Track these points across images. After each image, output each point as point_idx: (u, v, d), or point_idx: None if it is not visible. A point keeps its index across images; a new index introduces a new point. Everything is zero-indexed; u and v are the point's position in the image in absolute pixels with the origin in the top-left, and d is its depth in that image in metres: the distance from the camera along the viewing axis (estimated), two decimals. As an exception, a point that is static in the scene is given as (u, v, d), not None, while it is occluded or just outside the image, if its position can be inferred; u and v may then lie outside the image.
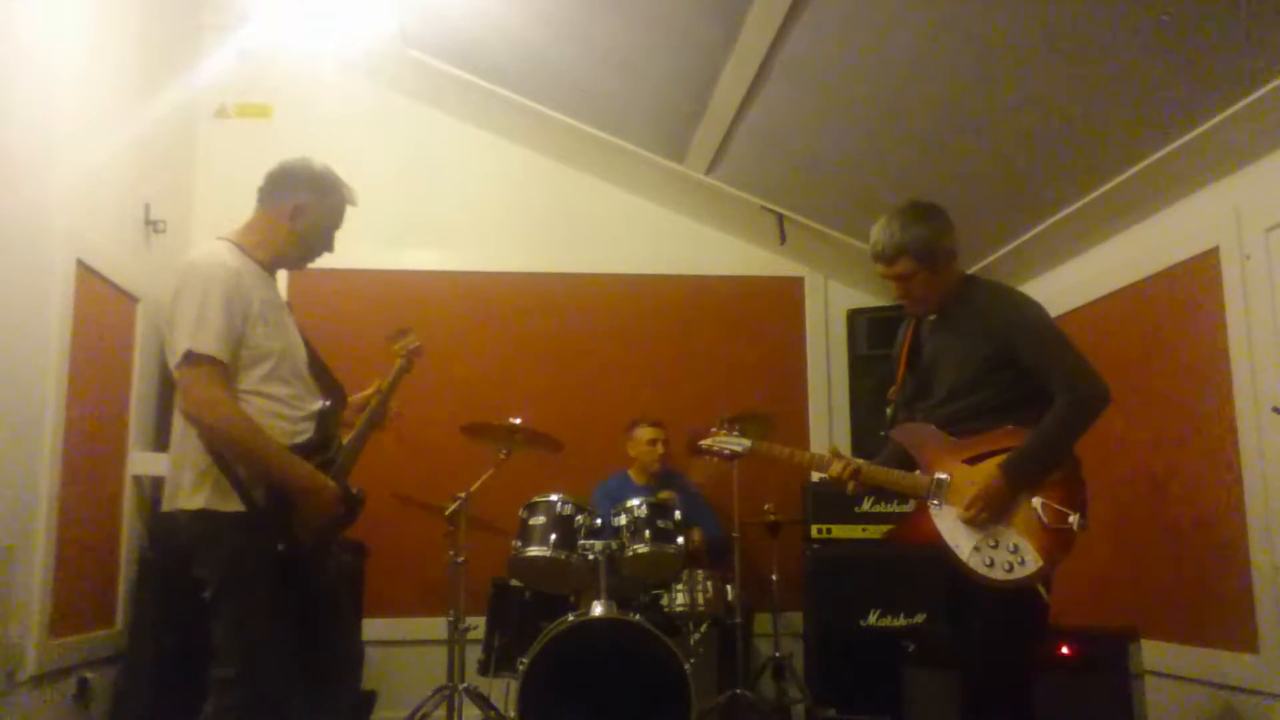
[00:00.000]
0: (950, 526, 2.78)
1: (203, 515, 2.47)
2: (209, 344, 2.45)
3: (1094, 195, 3.92)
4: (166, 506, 2.57)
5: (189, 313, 2.47)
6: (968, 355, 2.83)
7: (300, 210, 2.70)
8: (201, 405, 2.45)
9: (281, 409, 2.57)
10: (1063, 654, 3.31)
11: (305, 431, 2.61)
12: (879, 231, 2.88)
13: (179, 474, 2.52)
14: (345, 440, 2.80)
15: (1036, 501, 2.70)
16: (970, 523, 2.74)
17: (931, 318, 2.97)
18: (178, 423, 2.56)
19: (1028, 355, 2.77)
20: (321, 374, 2.76)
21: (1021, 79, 3.55)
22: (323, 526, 2.60)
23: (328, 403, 2.70)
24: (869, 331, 5.18)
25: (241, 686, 2.44)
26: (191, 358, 2.44)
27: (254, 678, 2.45)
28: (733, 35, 3.82)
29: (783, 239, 5.23)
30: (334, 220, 2.79)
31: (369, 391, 2.95)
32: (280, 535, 2.49)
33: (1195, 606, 3.58)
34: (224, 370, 2.48)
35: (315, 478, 2.55)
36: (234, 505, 2.47)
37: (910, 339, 3.02)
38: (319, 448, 2.62)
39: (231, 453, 2.47)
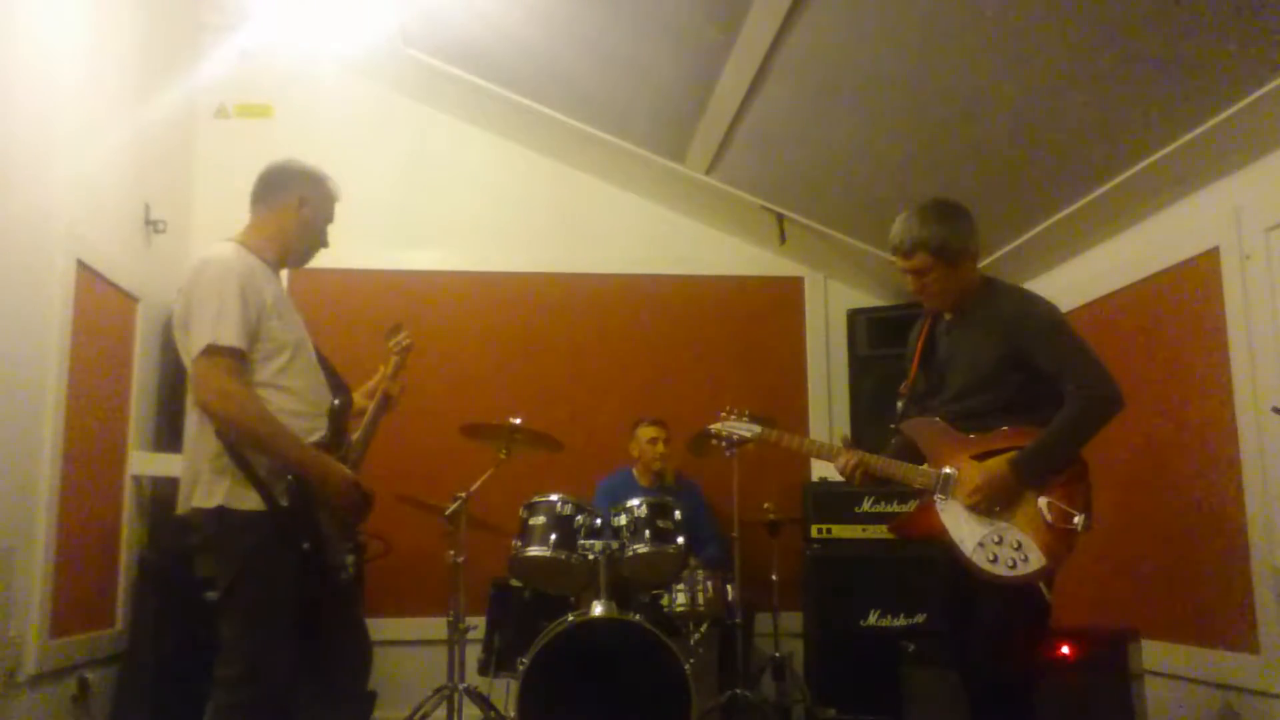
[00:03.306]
0: (955, 521, 2.79)
1: (220, 513, 2.47)
2: (229, 335, 2.47)
3: (1094, 195, 3.92)
4: (182, 508, 2.56)
5: (208, 307, 2.49)
6: (982, 355, 2.85)
7: (305, 201, 2.76)
8: (217, 396, 2.47)
9: (297, 405, 2.59)
10: (1063, 654, 3.31)
11: (319, 429, 2.62)
12: (898, 225, 2.91)
13: (195, 473, 2.53)
14: (355, 434, 2.83)
15: (1042, 501, 2.71)
16: (972, 510, 2.76)
17: (948, 316, 2.99)
18: (192, 422, 2.57)
19: (1042, 357, 2.78)
20: (328, 373, 2.78)
21: (1021, 81, 3.55)
22: (344, 518, 2.62)
23: (337, 401, 2.72)
24: (869, 331, 5.18)
25: (246, 685, 2.45)
26: (211, 350, 2.46)
27: (259, 677, 2.45)
28: (733, 35, 3.82)
29: (783, 239, 5.23)
30: (331, 212, 2.84)
31: (374, 381, 3.02)
32: (305, 534, 2.49)
33: (1195, 606, 3.58)
34: (242, 362, 2.50)
35: (331, 466, 2.57)
36: (253, 504, 2.47)
37: (926, 336, 3.04)
38: (333, 446, 2.64)
39: (247, 442, 2.48)
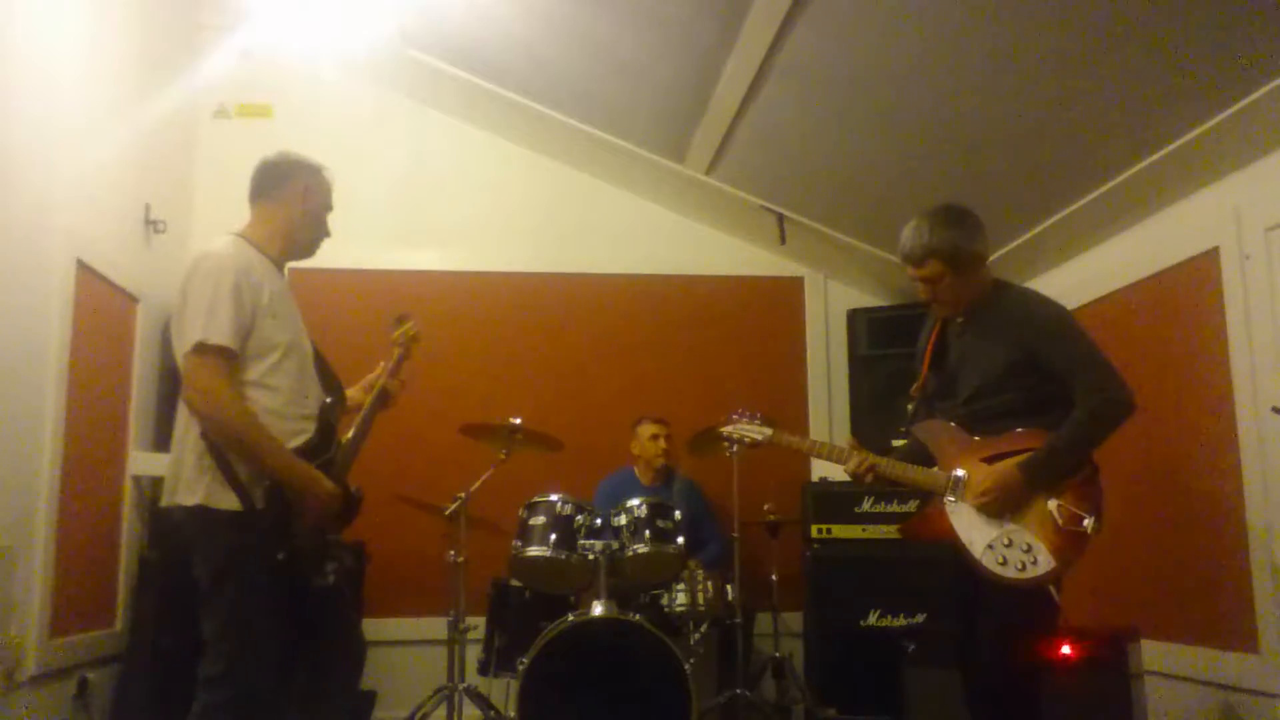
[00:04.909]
0: (965, 524, 2.79)
1: (199, 511, 2.48)
2: (220, 334, 2.48)
3: (1094, 195, 3.92)
4: (165, 501, 2.58)
5: (200, 303, 2.49)
6: (994, 358, 2.84)
7: (309, 190, 2.77)
8: (203, 395, 2.47)
9: (283, 406, 2.59)
10: (1063, 654, 3.31)
11: (305, 431, 2.62)
12: (909, 233, 2.89)
13: (178, 468, 2.54)
14: (349, 433, 2.83)
15: (1052, 504, 2.71)
16: (981, 511, 2.75)
17: (959, 319, 2.98)
18: (181, 418, 2.58)
19: (1054, 361, 2.78)
20: (324, 372, 2.78)
21: (1021, 80, 3.55)
22: (322, 527, 2.60)
23: (329, 400, 2.72)
24: (869, 331, 5.18)
25: (229, 683, 2.45)
26: (201, 348, 2.47)
27: (241, 675, 2.46)
28: (733, 36, 3.82)
29: (783, 239, 5.23)
30: (331, 200, 2.85)
31: (374, 375, 3.01)
32: (279, 542, 2.50)
33: (1195, 606, 3.58)
34: (232, 361, 2.50)
35: (312, 476, 2.57)
36: (231, 503, 2.47)
37: (936, 338, 3.03)
38: (319, 448, 2.63)
39: (230, 445, 2.48)
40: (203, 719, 2.46)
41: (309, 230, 2.79)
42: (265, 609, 2.51)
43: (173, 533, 2.58)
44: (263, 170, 2.78)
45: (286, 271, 2.84)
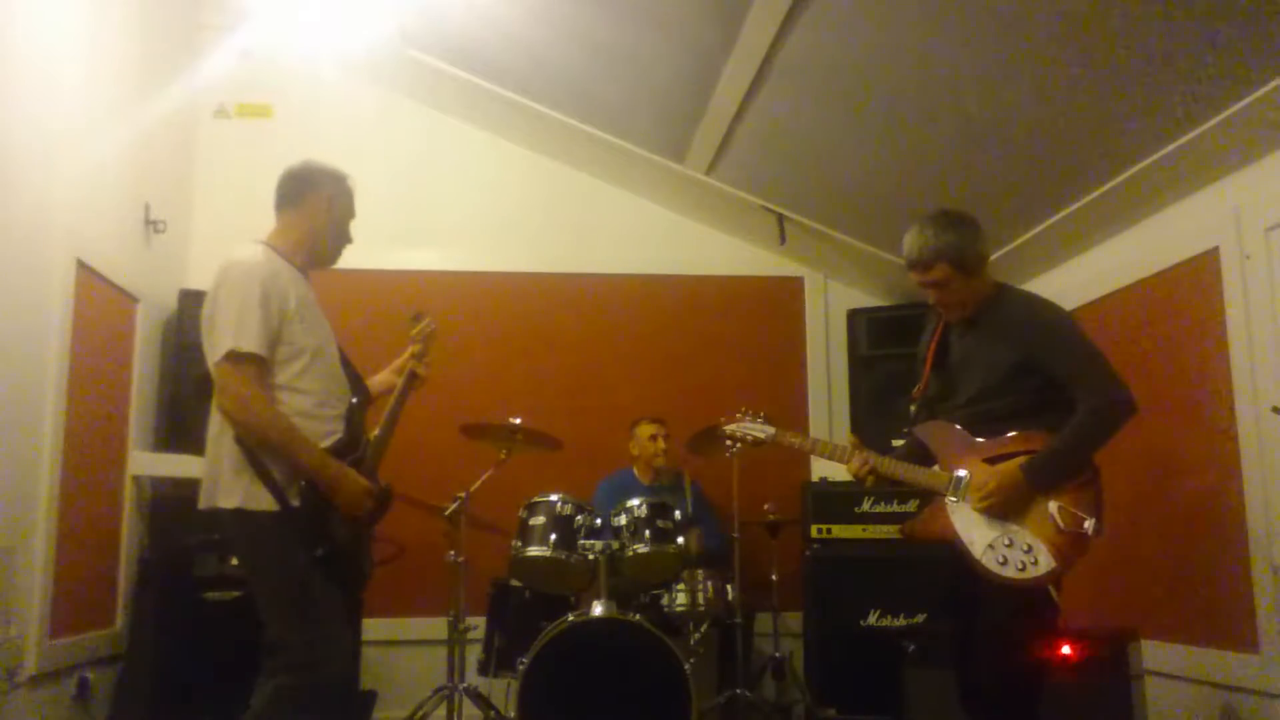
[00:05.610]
0: (966, 524, 2.80)
1: (240, 515, 2.53)
2: (250, 342, 2.52)
3: (1094, 195, 3.92)
4: (204, 504, 2.62)
5: (230, 312, 2.54)
6: (995, 360, 2.85)
7: (333, 201, 2.81)
8: (236, 401, 2.52)
9: (314, 408, 2.63)
10: (1063, 654, 3.31)
11: (336, 432, 2.67)
12: (913, 238, 2.90)
13: (215, 472, 2.58)
14: (375, 430, 2.87)
15: (1053, 505, 2.72)
16: (982, 511, 2.76)
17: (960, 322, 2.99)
18: (214, 423, 2.61)
19: (1055, 364, 2.79)
20: (349, 373, 2.82)
21: (1021, 81, 3.55)
22: (358, 523, 2.66)
23: (355, 400, 2.76)
24: (869, 331, 5.18)
25: (304, 670, 2.50)
26: (234, 356, 2.51)
27: (315, 664, 2.52)
28: (733, 35, 3.82)
29: (783, 239, 5.23)
30: (354, 208, 2.89)
31: (404, 358, 3.05)
32: (318, 539, 2.55)
33: (1195, 606, 3.58)
34: (262, 367, 2.55)
35: (347, 475, 2.62)
36: (268, 504, 2.52)
37: (937, 340, 3.04)
38: (349, 447, 2.68)
39: (265, 449, 2.53)
40: (272, 701, 2.49)
41: (332, 239, 2.84)
42: (320, 599, 2.56)
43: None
44: (289, 178, 2.82)
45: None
